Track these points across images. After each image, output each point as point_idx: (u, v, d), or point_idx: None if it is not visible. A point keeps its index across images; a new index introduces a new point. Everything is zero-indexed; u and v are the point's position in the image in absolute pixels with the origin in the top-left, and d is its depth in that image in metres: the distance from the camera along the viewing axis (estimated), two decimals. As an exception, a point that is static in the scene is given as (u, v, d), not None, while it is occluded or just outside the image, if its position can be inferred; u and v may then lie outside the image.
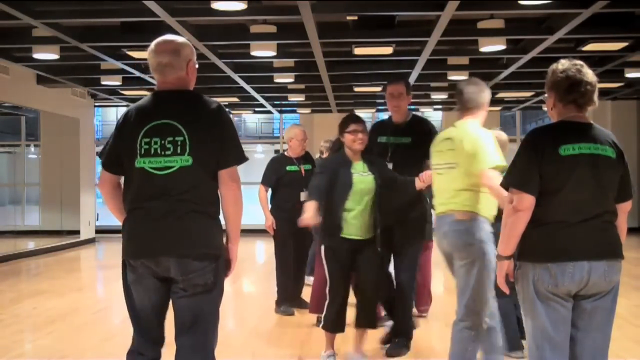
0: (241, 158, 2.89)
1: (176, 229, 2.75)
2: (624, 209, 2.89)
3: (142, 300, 2.85)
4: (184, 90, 2.89)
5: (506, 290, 2.98)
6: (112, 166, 2.90)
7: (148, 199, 2.77)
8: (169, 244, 2.74)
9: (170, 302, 2.91)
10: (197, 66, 2.98)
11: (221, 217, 2.92)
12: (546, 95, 2.93)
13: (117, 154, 2.87)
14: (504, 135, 4.97)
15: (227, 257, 2.95)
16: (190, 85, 2.94)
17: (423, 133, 4.79)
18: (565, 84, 2.81)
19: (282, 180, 6.33)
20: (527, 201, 2.75)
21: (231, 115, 18.55)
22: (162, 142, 2.76)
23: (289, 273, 6.51)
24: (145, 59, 9.16)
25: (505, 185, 2.86)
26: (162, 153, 2.76)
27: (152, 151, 2.76)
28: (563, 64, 2.84)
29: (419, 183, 4.49)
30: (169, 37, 2.93)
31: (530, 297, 2.81)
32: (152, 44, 2.90)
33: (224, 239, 2.95)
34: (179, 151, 2.75)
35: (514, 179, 2.83)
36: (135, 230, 2.82)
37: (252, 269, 10.46)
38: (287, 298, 6.47)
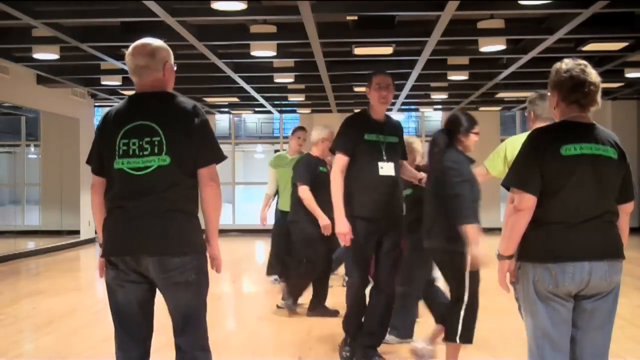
0: (219, 157, 2.93)
1: (155, 227, 2.80)
2: (626, 210, 2.88)
3: (126, 297, 2.89)
4: (159, 92, 2.94)
5: (506, 290, 2.97)
6: (101, 169, 2.95)
7: (127, 199, 2.83)
8: (148, 243, 2.80)
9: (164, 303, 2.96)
10: (175, 68, 3.03)
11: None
12: (549, 94, 2.92)
13: (101, 157, 2.93)
14: (416, 143, 5.21)
15: (211, 254, 3.00)
16: (168, 87, 3.00)
17: (400, 133, 4.73)
18: (569, 84, 2.80)
19: (314, 181, 6.01)
20: (528, 201, 2.74)
21: (231, 116, 18.44)
22: (140, 143, 2.82)
23: (313, 275, 6.30)
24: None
25: (507, 184, 2.86)
26: (140, 154, 2.81)
27: (131, 152, 2.82)
28: (567, 63, 2.83)
29: None
30: (145, 40, 2.98)
31: (530, 297, 2.80)
32: (130, 48, 2.97)
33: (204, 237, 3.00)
34: (156, 151, 2.81)
35: (515, 178, 2.82)
36: (115, 228, 2.87)
37: (252, 269, 10.45)
38: (298, 298, 6.41)
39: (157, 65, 2.92)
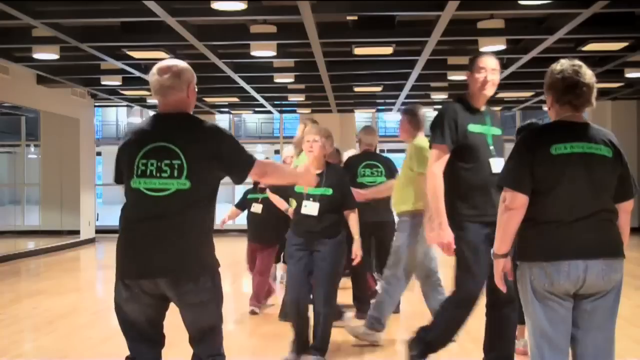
0: (251, 160, 2.98)
1: (169, 250, 2.81)
2: (625, 208, 2.88)
3: (138, 316, 2.92)
4: (183, 114, 2.97)
5: (504, 289, 2.97)
6: None
7: (142, 220, 2.84)
8: (162, 266, 2.81)
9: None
10: (196, 90, 3.07)
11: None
12: (547, 95, 2.93)
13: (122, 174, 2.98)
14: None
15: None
16: (190, 108, 3.02)
17: (501, 126, 4.17)
18: (562, 86, 2.81)
19: None
20: (519, 200, 2.77)
21: (231, 116, 18.42)
22: (159, 164, 2.83)
23: None
24: (145, 59, 9.19)
25: (499, 184, 2.88)
26: (158, 175, 2.82)
27: (148, 172, 2.84)
28: (562, 64, 2.84)
29: None
30: (170, 61, 3.02)
31: (528, 296, 2.81)
32: (154, 68, 2.99)
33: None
34: (175, 175, 2.82)
35: (506, 178, 2.85)
36: (129, 250, 2.88)
37: (252, 269, 10.43)
38: None
39: (182, 86, 2.95)
